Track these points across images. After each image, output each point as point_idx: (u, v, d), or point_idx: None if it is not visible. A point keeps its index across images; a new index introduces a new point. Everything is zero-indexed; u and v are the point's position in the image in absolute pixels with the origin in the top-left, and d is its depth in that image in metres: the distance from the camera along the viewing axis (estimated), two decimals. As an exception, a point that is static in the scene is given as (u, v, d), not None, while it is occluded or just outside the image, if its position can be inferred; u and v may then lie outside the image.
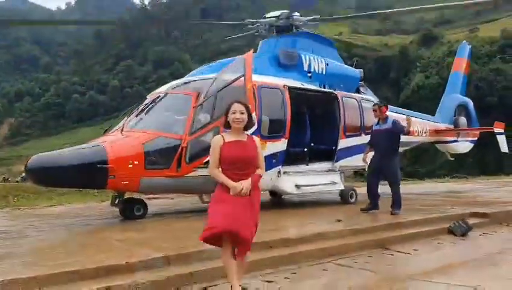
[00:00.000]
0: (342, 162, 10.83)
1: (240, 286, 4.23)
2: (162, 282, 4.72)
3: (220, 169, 4.18)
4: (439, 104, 17.24)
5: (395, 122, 8.73)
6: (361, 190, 13.22)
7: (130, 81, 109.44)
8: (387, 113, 9.03)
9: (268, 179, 9.15)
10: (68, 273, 4.52)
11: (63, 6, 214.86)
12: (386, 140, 8.59)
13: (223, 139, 4.18)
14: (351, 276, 5.42)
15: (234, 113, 4.17)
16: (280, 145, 9.42)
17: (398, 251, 6.60)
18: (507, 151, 15.64)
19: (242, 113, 4.17)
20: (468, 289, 4.70)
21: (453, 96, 17.29)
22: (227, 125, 4.26)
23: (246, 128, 4.26)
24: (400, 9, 24.04)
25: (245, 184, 4.06)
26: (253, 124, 4.46)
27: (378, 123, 8.97)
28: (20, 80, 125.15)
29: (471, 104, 17.45)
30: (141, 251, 5.42)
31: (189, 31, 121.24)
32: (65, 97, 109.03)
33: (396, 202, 8.58)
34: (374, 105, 9.32)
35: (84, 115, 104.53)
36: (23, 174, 40.09)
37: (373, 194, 8.89)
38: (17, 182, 25.69)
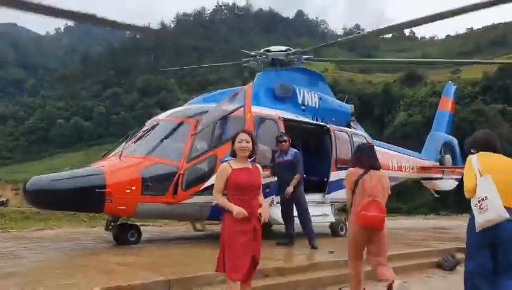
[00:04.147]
0: (333, 195, 10.97)
1: None
2: (164, 305, 4.81)
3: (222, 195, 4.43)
4: (425, 142, 17.68)
5: (296, 153, 8.75)
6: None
7: (116, 108, 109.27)
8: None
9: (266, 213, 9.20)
10: (74, 292, 4.57)
11: (52, 32, 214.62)
12: (290, 170, 8.60)
13: (231, 167, 4.37)
14: (346, 305, 5.55)
15: (240, 142, 4.39)
16: (274, 175, 9.59)
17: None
18: (490, 190, 15.99)
19: (248, 142, 4.40)
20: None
21: (439, 135, 17.76)
22: (233, 154, 4.46)
23: (250, 156, 4.47)
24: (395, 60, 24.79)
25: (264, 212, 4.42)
26: (256, 153, 4.64)
27: (280, 155, 8.87)
28: (4, 102, 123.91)
29: (456, 142, 17.94)
30: (142, 274, 5.48)
31: (177, 61, 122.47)
32: (49, 122, 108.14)
33: (312, 234, 8.62)
34: (281, 136, 8.99)
35: (68, 141, 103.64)
36: (2, 198, 39.13)
37: (292, 227, 8.91)
38: (-3, 205, 24.72)
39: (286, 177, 8.65)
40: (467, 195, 4.29)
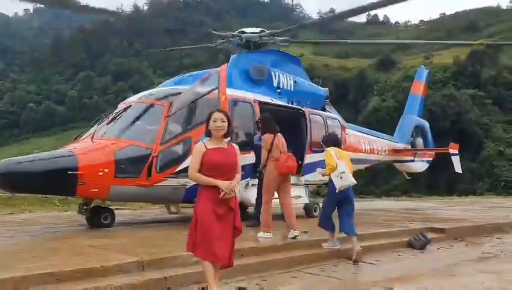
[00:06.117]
0: (308, 177, 11.08)
1: None
2: (137, 285, 4.78)
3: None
4: (398, 125, 17.93)
5: (261, 138, 8.48)
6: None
7: (88, 92, 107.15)
8: None
9: (237, 190, 9.22)
10: (44, 275, 4.51)
11: (21, 13, 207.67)
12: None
13: (205, 146, 4.34)
14: (319, 283, 5.65)
15: (215, 121, 4.33)
16: (249, 157, 9.57)
17: (362, 261, 6.88)
18: (461, 171, 16.43)
19: (223, 121, 4.34)
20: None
21: (411, 118, 18.03)
22: (208, 133, 4.42)
23: (225, 136, 4.43)
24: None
25: (233, 182, 4.31)
26: (232, 132, 4.61)
27: (261, 139, 8.59)
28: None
29: (427, 125, 18.26)
30: (115, 256, 5.45)
31: (151, 44, 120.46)
32: (20, 106, 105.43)
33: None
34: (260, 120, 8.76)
35: (40, 125, 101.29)
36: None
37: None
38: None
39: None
40: (329, 171, 6.93)
